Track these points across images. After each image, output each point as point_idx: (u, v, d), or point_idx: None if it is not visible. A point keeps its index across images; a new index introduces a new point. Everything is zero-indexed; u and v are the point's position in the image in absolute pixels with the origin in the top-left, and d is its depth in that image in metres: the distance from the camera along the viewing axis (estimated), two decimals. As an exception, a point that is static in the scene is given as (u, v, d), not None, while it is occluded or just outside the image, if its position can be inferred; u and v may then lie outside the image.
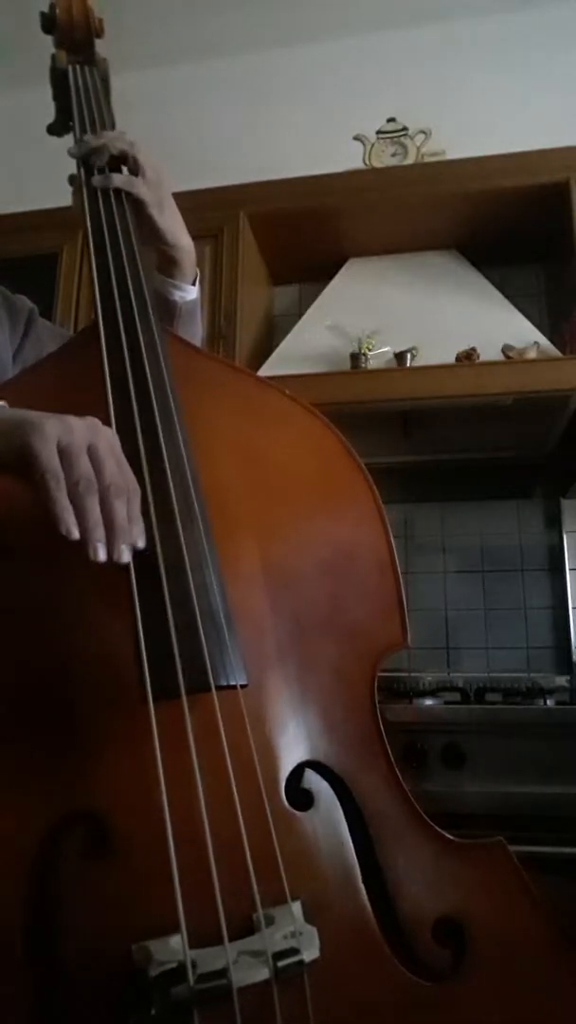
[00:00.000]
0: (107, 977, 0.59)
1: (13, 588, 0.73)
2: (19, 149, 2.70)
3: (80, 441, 0.69)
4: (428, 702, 1.83)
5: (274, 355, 2.31)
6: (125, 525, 0.68)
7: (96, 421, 0.73)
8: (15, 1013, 0.60)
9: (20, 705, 0.70)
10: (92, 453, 0.69)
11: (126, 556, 0.68)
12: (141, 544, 0.70)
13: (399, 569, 0.85)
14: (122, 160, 1.04)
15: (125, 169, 1.05)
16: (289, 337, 2.35)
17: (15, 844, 0.64)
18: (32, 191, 2.32)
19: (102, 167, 1.03)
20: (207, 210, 2.24)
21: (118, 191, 1.02)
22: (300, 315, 2.43)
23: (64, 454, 0.68)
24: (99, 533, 0.67)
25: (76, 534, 0.66)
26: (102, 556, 0.66)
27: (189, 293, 1.12)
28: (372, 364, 2.19)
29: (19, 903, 0.62)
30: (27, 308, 1.17)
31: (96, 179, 1.02)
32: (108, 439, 0.72)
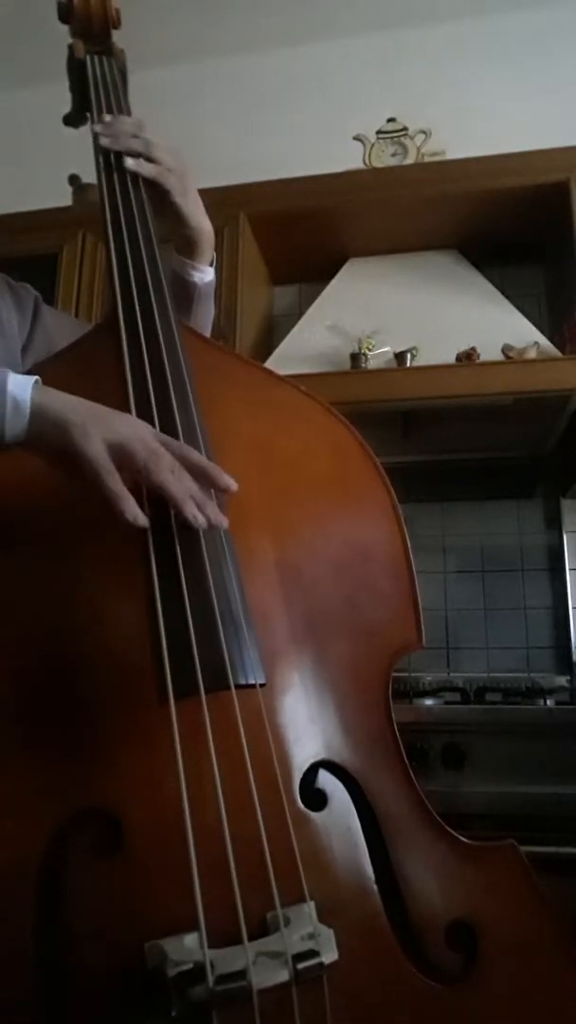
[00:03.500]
0: (119, 976, 0.59)
1: (29, 584, 0.73)
2: (19, 149, 2.70)
3: (129, 434, 0.71)
4: (428, 702, 1.83)
5: (274, 355, 2.30)
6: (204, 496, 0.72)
7: (136, 419, 0.75)
8: (29, 1012, 0.59)
9: (33, 702, 0.70)
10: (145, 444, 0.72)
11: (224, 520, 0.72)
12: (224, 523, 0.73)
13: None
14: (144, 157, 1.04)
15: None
16: (289, 337, 2.35)
17: (26, 841, 0.64)
18: (32, 191, 2.31)
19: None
20: (207, 210, 2.24)
21: (135, 178, 1.02)
22: (300, 315, 2.43)
23: (116, 449, 0.70)
24: (192, 504, 0.70)
25: (143, 521, 0.68)
26: (202, 521, 0.70)
27: (207, 274, 1.12)
28: (372, 364, 2.19)
29: (31, 900, 0.62)
30: (32, 296, 1.16)
31: (130, 163, 1.02)
32: (156, 434, 0.74)
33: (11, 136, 2.85)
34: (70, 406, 0.72)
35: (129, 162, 1.01)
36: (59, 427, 0.70)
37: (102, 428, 0.70)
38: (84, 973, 0.60)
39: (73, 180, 2.38)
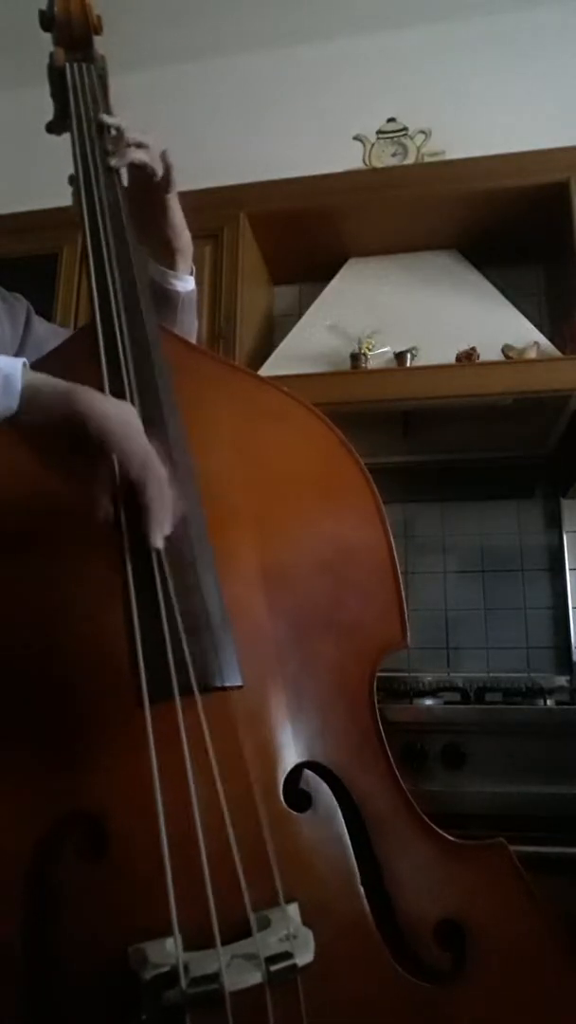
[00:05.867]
0: (104, 980, 0.59)
1: (6, 590, 0.72)
2: (19, 149, 2.70)
3: (128, 418, 0.71)
4: (428, 702, 1.83)
5: (274, 355, 2.31)
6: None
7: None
8: (13, 1015, 0.59)
9: (13, 706, 0.69)
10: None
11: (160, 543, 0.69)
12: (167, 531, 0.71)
13: (399, 569, 0.84)
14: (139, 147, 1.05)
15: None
16: (289, 337, 2.35)
17: (12, 846, 0.64)
18: (32, 191, 2.32)
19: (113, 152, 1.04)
20: (207, 210, 2.24)
21: (114, 188, 1.02)
22: (300, 315, 2.43)
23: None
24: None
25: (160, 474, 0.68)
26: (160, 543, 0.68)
27: (189, 283, 1.13)
28: (372, 364, 2.19)
29: (17, 905, 0.62)
30: (24, 307, 1.17)
31: (113, 160, 1.02)
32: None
33: (11, 136, 2.85)
34: (66, 382, 0.72)
35: (113, 160, 1.02)
36: (62, 394, 0.69)
37: (105, 400, 0.71)
38: (72, 976, 0.60)
39: (73, 180, 2.38)
